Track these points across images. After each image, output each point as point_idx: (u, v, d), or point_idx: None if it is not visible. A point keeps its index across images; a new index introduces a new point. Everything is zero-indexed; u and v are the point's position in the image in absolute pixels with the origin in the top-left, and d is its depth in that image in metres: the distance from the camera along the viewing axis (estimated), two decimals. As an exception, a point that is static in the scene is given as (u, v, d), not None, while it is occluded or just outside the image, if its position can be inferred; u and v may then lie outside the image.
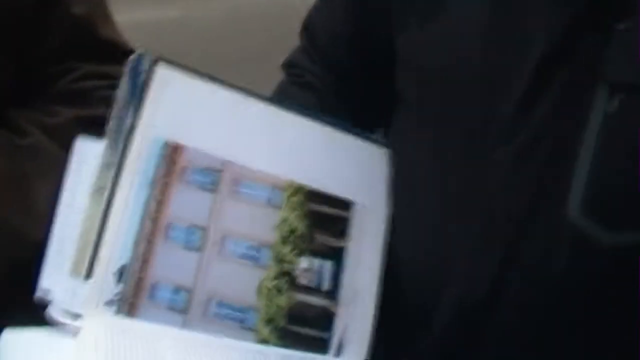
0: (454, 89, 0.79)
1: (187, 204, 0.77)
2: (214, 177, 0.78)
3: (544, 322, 0.78)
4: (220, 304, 0.76)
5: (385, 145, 0.86)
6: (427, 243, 0.84)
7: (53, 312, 0.71)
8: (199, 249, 0.76)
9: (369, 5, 0.86)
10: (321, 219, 0.82)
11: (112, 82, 0.80)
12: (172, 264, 0.75)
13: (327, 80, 0.91)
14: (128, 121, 0.75)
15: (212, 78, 0.79)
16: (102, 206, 0.74)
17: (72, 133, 0.76)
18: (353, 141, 0.84)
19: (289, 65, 0.94)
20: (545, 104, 0.75)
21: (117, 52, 0.94)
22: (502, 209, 0.77)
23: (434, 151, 0.82)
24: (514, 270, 0.77)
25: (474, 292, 0.79)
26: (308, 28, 0.91)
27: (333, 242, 0.82)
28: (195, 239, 0.76)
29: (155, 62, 0.77)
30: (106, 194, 0.74)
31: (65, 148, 0.77)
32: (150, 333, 0.72)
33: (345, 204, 0.83)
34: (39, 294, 0.73)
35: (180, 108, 0.77)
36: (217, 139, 0.78)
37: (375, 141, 0.86)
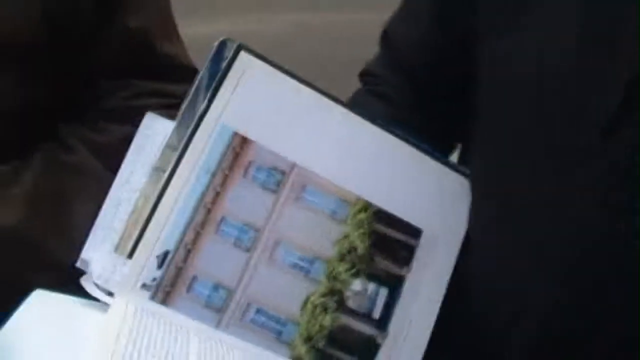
0: (539, 103, 0.73)
1: (245, 200, 0.73)
2: (278, 177, 0.74)
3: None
4: (260, 311, 0.72)
5: (466, 174, 0.80)
6: (504, 269, 0.77)
7: (86, 284, 0.69)
8: (248, 249, 0.73)
9: (454, 11, 0.80)
10: (385, 242, 0.76)
11: (169, 101, 0.76)
12: (217, 260, 0.72)
13: (403, 91, 0.86)
14: (201, 106, 0.73)
15: (296, 76, 0.76)
16: (159, 187, 0.71)
17: (120, 153, 0.73)
18: (435, 166, 0.79)
19: (366, 74, 0.90)
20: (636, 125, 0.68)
21: (178, 70, 0.89)
22: (583, 234, 0.71)
23: (510, 170, 0.76)
24: (600, 306, 0.72)
25: (554, 314, 0.73)
26: (388, 35, 0.87)
27: (393, 268, 0.77)
28: (247, 238, 0.73)
29: (238, 49, 0.74)
30: (165, 175, 0.72)
31: (111, 168, 0.74)
32: (180, 324, 0.69)
33: (414, 231, 0.77)
34: (78, 263, 0.71)
35: (256, 100, 0.73)
36: (289, 138, 0.74)
37: (458, 170, 0.80)
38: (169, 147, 0.72)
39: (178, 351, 0.65)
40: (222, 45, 0.74)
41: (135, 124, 0.73)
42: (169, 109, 0.76)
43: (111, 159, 0.76)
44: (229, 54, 0.74)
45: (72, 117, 0.88)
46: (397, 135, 0.78)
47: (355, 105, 0.83)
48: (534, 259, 0.74)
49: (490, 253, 0.79)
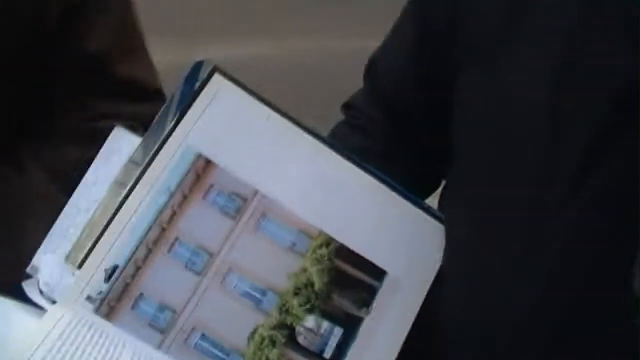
0: (513, 139, 0.71)
1: (202, 223, 0.72)
2: (238, 204, 0.73)
3: None
4: (204, 337, 0.71)
5: (441, 220, 0.77)
6: (476, 309, 0.74)
7: (29, 288, 0.69)
8: (199, 273, 0.72)
9: (435, 43, 0.78)
10: (345, 281, 0.74)
11: (129, 123, 0.74)
12: (166, 280, 0.71)
13: (382, 125, 0.84)
14: (169, 124, 0.73)
15: (268, 102, 0.75)
16: (117, 201, 0.71)
17: (74, 175, 0.73)
18: (407, 208, 0.76)
19: (348, 107, 0.88)
20: (613, 160, 0.66)
21: (139, 91, 0.87)
22: (561, 274, 0.69)
23: (488, 210, 0.73)
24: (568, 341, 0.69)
25: None
26: (371, 68, 0.85)
27: (351, 308, 0.74)
28: (199, 261, 0.72)
29: (213, 70, 0.73)
30: (125, 190, 0.71)
31: (66, 191, 0.73)
32: (118, 340, 0.68)
33: (377, 272, 0.74)
34: (28, 269, 0.71)
35: (224, 124, 0.73)
36: (254, 165, 0.73)
37: (433, 214, 0.77)
38: (132, 162, 0.72)
39: (111, 352, 0.64)
40: (198, 65, 0.74)
41: (92, 145, 0.73)
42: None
43: (66, 181, 0.76)
44: (203, 75, 0.74)
45: (30, 135, 0.87)
46: (369, 172, 0.76)
47: (333, 137, 0.82)
48: (504, 293, 0.71)
49: (462, 286, 0.75)
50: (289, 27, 3.62)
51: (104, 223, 0.71)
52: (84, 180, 0.73)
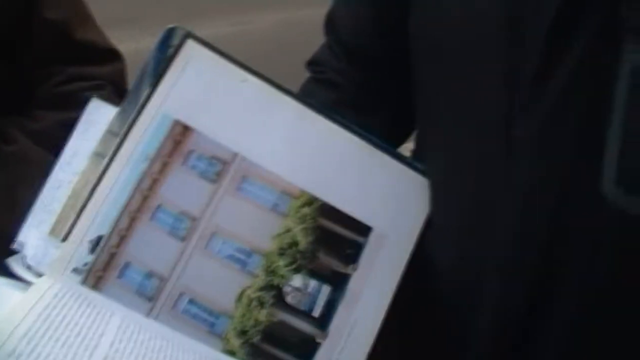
0: (467, 61, 0.70)
1: (183, 189, 0.72)
2: (218, 167, 0.73)
3: (592, 326, 0.68)
4: (192, 302, 0.71)
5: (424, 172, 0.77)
6: (456, 249, 0.75)
7: (14, 264, 0.69)
8: (183, 239, 0.72)
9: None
10: (330, 239, 0.74)
11: (96, 83, 0.79)
12: (151, 247, 0.71)
13: (351, 76, 0.84)
14: (144, 92, 0.72)
15: (243, 65, 0.74)
16: (98, 172, 0.71)
17: (57, 137, 0.75)
18: (388, 162, 0.76)
19: (312, 63, 0.88)
20: (567, 64, 0.64)
21: (98, 52, 0.95)
22: (533, 194, 0.68)
23: (452, 142, 0.74)
24: (557, 259, 0.68)
25: (513, 296, 0.70)
26: (330, 22, 0.85)
27: (338, 266, 0.74)
28: (183, 227, 0.72)
29: (186, 36, 0.73)
30: (105, 161, 0.72)
31: (52, 151, 0.76)
32: (105, 310, 0.68)
33: (362, 228, 0.74)
34: (14, 245, 0.71)
35: (200, 89, 0.73)
36: (232, 128, 0.73)
37: (415, 167, 0.77)
38: (110, 132, 0.72)
39: (92, 333, 0.65)
40: (170, 32, 0.74)
41: (69, 108, 0.75)
42: (98, 90, 0.78)
43: (51, 143, 0.79)
44: (176, 41, 0.73)
45: (8, 109, 0.92)
46: (349, 129, 0.76)
47: (303, 95, 0.82)
48: (487, 233, 0.71)
49: (449, 236, 0.75)
50: (251, 2, 3.64)
51: (86, 195, 0.71)
52: (63, 153, 0.73)
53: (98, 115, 0.74)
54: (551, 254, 0.68)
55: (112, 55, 0.98)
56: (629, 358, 0.61)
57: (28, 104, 0.92)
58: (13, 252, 0.71)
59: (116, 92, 0.90)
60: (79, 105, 0.73)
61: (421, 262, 0.77)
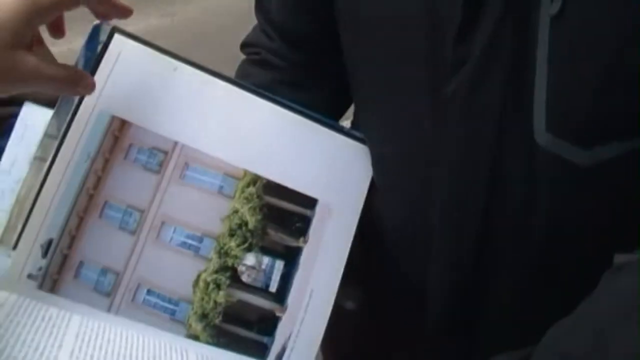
0: (390, 25, 0.72)
1: (128, 183, 0.73)
2: (160, 158, 0.74)
3: (537, 274, 0.71)
4: (151, 292, 0.72)
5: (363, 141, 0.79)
6: (402, 210, 0.77)
7: (-34, 278, 0.69)
8: (134, 232, 0.73)
9: None
10: (278, 215, 0.76)
11: None
12: (103, 244, 0.72)
13: (284, 55, 0.85)
14: (78, 92, 0.73)
15: (173, 54, 0.75)
16: (41, 176, 0.72)
17: None
18: (327, 134, 0.78)
19: (246, 45, 0.89)
20: (488, 20, 0.66)
21: None
22: (467, 151, 0.69)
23: (384, 107, 0.75)
24: (499, 213, 0.70)
25: (460, 253, 0.72)
26: (259, 2, 0.86)
27: (289, 240, 0.76)
28: (132, 220, 0.73)
29: (112, 32, 0.73)
30: (46, 164, 0.72)
31: None
32: (65, 312, 0.69)
33: (308, 201, 0.76)
34: (-35, 258, 0.71)
35: (133, 82, 0.73)
36: (168, 117, 0.74)
37: (353, 136, 0.79)
38: (48, 135, 0.73)
39: (55, 333, 0.65)
40: (96, 29, 0.74)
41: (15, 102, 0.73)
42: None
43: None
44: (103, 37, 0.74)
45: None
46: (284, 106, 0.77)
47: (239, 77, 0.83)
48: (429, 195, 0.73)
49: (393, 199, 0.78)
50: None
51: (31, 200, 0.71)
52: (2, 162, 0.73)
53: (33, 119, 0.74)
54: (491, 206, 0.70)
55: None
56: (574, 304, 0.64)
57: None
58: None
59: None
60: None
61: (372, 225, 0.79)
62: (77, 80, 0.67)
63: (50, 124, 0.73)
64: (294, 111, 0.77)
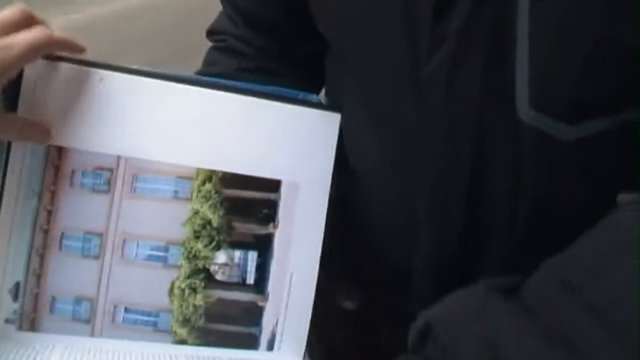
0: (366, 8, 0.67)
1: (80, 210, 0.71)
2: (106, 176, 0.71)
3: (524, 255, 0.68)
4: (128, 310, 0.72)
5: (329, 107, 0.74)
6: (385, 195, 0.75)
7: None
8: (97, 256, 0.71)
9: None
10: (241, 206, 0.73)
11: None
12: (70, 275, 0.71)
13: (251, 42, 0.81)
14: (6, 128, 0.69)
15: (97, 64, 0.70)
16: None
17: None
18: (277, 108, 0.73)
19: (211, 33, 0.85)
20: None
21: None
22: (450, 131, 0.66)
23: (365, 91, 0.72)
24: (484, 194, 0.68)
25: (446, 236, 0.70)
26: None
27: (258, 229, 0.74)
28: (93, 246, 0.71)
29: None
30: (-7, 209, 0.70)
31: None
32: (46, 346, 0.70)
33: (271, 184, 0.73)
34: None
35: (58, 104, 0.69)
36: (105, 132, 0.70)
37: (311, 104, 0.74)
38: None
39: None
40: None
41: None
42: None
43: None
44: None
45: None
46: (225, 88, 0.72)
47: (205, 66, 0.81)
48: (413, 178, 0.70)
49: (375, 183, 0.74)
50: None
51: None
52: None
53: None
54: (476, 188, 0.66)
55: None
56: None
57: None
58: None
59: None
60: None
61: (353, 215, 0.76)
62: (31, 133, 0.67)
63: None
64: (239, 92, 0.72)
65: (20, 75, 0.69)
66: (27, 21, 0.65)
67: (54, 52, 0.68)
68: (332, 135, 0.74)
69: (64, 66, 0.69)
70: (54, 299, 0.71)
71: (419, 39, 0.64)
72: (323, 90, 0.82)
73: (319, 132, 0.74)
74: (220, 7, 0.86)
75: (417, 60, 0.65)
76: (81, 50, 0.69)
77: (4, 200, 0.70)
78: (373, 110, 0.72)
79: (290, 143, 0.73)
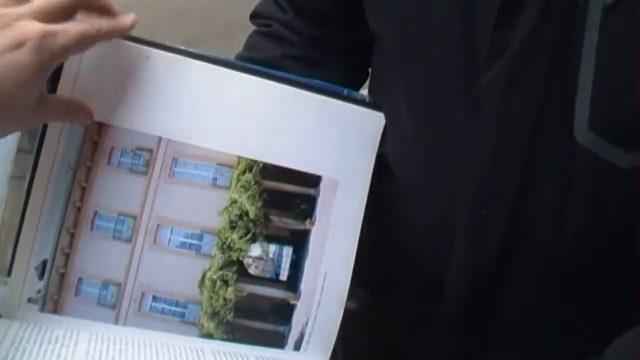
0: (425, 12, 0.66)
1: (115, 189, 0.68)
2: (146, 157, 0.69)
3: (561, 278, 0.67)
4: (156, 298, 0.69)
5: (373, 106, 0.73)
6: (425, 204, 0.72)
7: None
8: (129, 240, 0.69)
9: None
10: (279, 199, 0.71)
11: None
12: (99, 257, 0.69)
13: (298, 29, 0.79)
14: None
15: (145, 41, 0.68)
16: (22, 196, 0.67)
17: None
18: (325, 102, 0.71)
19: (256, 16, 0.83)
20: (531, 8, 0.60)
21: None
22: (501, 145, 0.64)
23: (412, 94, 0.70)
24: (527, 215, 0.66)
25: (484, 251, 0.68)
26: None
27: (294, 224, 0.71)
28: (125, 228, 0.69)
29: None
30: (26, 183, 0.67)
31: None
32: (71, 331, 0.66)
33: (311, 179, 0.71)
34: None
35: (103, 80, 0.67)
36: (148, 112, 0.68)
37: (360, 102, 0.72)
38: (22, 151, 0.68)
39: (63, 354, 0.63)
40: None
41: None
42: None
43: None
44: None
45: None
46: (272, 78, 0.70)
47: (247, 50, 0.78)
48: (456, 189, 0.68)
49: (417, 191, 0.73)
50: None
51: (17, 222, 0.67)
52: None
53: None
54: (519, 208, 0.65)
55: None
56: (595, 311, 0.60)
57: None
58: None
59: None
60: None
61: (389, 219, 0.74)
62: (73, 115, 0.66)
63: (22, 138, 0.68)
64: (285, 82, 0.71)
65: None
66: (85, 4, 0.63)
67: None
68: (375, 135, 0.73)
69: (111, 41, 0.67)
70: (80, 280, 0.68)
71: (478, 46, 0.63)
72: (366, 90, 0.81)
73: (362, 130, 0.72)
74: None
75: (473, 68, 0.64)
76: (131, 28, 0.67)
77: (38, 172, 0.67)
78: (418, 115, 0.70)
79: (332, 139, 0.71)
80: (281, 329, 0.71)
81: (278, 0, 0.81)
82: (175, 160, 0.69)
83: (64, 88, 0.66)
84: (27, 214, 0.67)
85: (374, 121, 0.73)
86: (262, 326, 0.71)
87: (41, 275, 0.68)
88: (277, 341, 0.71)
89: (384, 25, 0.72)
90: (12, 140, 0.68)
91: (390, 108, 0.73)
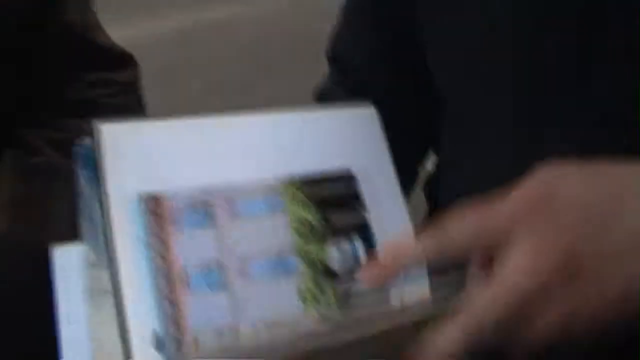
0: (491, 67, 0.72)
1: (191, 248, 0.72)
2: (205, 209, 0.73)
3: None
4: (269, 325, 0.71)
5: (359, 104, 0.82)
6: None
7: None
8: (224, 286, 0.71)
9: (394, 14, 0.81)
10: (327, 201, 0.77)
11: (118, 88, 0.77)
12: (205, 313, 0.70)
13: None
14: (95, 205, 0.71)
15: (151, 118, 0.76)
16: (112, 307, 0.68)
17: None
18: (327, 113, 0.81)
19: (322, 98, 0.89)
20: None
21: (116, 57, 0.93)
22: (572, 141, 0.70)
23: (476, 157, 0.77)
24: None
25: None
26: (335, 58, 0.86)
27: (353, 218, 0.77)
28: (215, 276, 0.71)
29: (96, 130, 0.72)
30: (112, 290, 0.68)
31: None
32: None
33: (344, 176, 0.78)
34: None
35: (137, 158, 0.72)
36: (188, 171, 0.74)
37: (356, 105, 0.82)
38: (93, 266, 0.70)
39: None
40: (82, 147, 0.72)
41: (91, 115, 0.72)
42: (112, 98, 0.76)
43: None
44: (90, 143, 0.72)
45: (27, 120, 0.89)
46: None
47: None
48: None
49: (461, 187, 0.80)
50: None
51: (118, 333, 0.67)
52: (60, 316, 0.70)
53: (67, 258, 0.71)
54: None
55: (128, 60, 0.94)
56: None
57: (48, 113, 0.88)
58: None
59: (135, 98, 0.86)
60: (101, 111, 0.70)
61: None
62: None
63: (89, 254, 0.71)
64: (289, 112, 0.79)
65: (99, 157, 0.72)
66: None
67: None
68: (374, 123, 0.81)
69: (127, 125, 0.73)
70: (195, 340, 0.69)
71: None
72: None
73: (361, 124, 0.81)
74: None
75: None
76: None
77: (116, 262, 0.69)
78: (485, 166, 0.76)
79: (339, 140, 0.79)
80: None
81: (341, 82, 0.84)
82: (232, 202, 0.74)
83: (111, 182, 0.71)
84: (123, 309, 0.68)
85: (367, 114, 0.82)
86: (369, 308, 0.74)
87: (161, 349, 0.68)
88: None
89: (449, 87, 0.77)
90: (77, 258, 0.70)
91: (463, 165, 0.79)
